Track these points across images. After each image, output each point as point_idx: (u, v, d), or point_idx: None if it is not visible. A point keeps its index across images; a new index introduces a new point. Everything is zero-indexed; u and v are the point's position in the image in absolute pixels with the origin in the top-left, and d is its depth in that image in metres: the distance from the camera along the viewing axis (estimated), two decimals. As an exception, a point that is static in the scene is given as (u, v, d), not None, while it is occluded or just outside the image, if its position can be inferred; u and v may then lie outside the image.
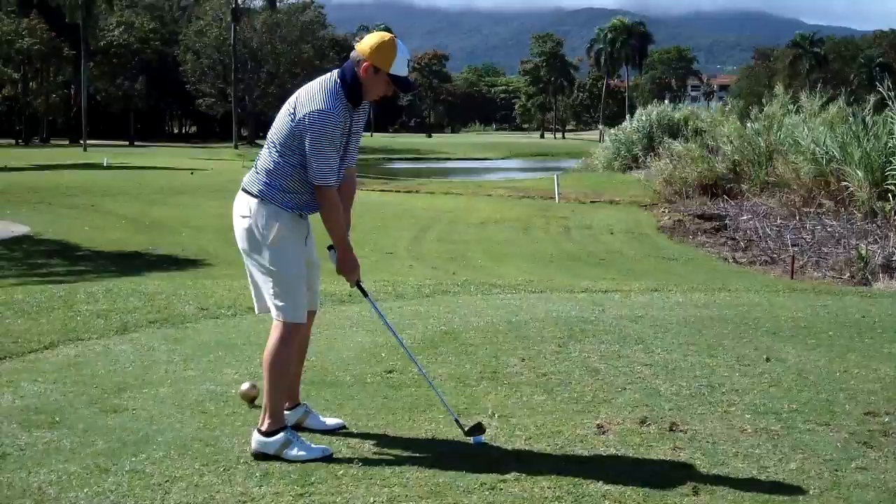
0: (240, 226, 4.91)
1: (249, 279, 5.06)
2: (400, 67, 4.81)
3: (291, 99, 4.86)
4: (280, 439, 4.72)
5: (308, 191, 4.84)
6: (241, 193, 4.94)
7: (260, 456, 4.70)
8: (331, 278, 6.19)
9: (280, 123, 4.83)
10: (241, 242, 4.93)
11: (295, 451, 4.71)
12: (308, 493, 4.28)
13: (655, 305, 9.68)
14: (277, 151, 4.82)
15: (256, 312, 5.18)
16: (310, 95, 4.77)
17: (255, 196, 4.85)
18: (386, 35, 4.88)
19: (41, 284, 13.10)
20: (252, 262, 4.94)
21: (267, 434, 4.74)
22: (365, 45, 4.81)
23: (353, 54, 4.84)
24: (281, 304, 4.87)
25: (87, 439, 4.95)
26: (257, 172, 4.89)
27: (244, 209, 4.89)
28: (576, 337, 7.58)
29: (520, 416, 5.35)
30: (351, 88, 4.80)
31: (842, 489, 4.37)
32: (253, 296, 5.10)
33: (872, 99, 28.92)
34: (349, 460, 4.65)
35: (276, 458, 4.70)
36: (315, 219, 5.00)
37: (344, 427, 5.20)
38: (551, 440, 4.96)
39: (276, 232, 4.81)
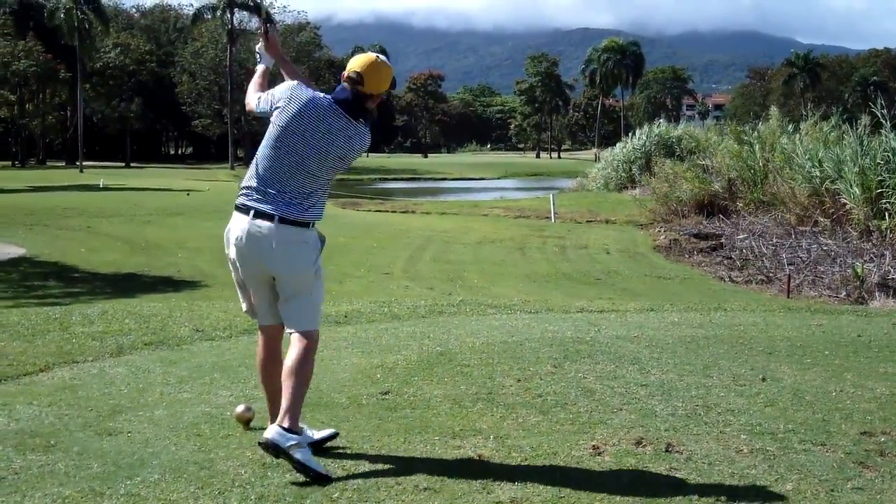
0: (293, 252, 4.97)
1: (264, 295, 5.13)
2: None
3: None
4: (296, 438, 4.74)
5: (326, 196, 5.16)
6: (281, 225, 4.94)
7: (270, 447, 4.69)
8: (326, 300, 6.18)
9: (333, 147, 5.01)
10: (286, 267, 4.99)
11: (301, 455, 4.70)
12: (303, 515, 4.26)
13: (651, 325, 9.69)
14: (324, 181, 5.08)
15: (266, 324, 5.22)
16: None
17: (304, 225, 4.97)
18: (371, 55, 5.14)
19: (37, 306, 13.09)
20: (301, 284, 5.04)
21: (288, 431, 4.76)
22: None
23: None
24: (317, 316, 5.12)
25: (82, 462, 4.93)
26: (299, 203, 4.98)
27: (301, 236, 4.98)
28: (571, 357, 7.57)
29: (515, 438, 5.33)
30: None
31: (838, 510, 4.36)
32: (265, 311, 5.19)
33: (867, 117, 28.99)
34: (344, 482, 4.63)
35: (284, 453, 4.70)
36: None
37: (336, 435, 5.24)
38: (547, 461, 4.94)
39: (320, 251, 5.10)
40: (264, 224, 4.93)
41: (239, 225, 5.01)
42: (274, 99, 5.08)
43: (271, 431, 4.76)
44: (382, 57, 5.13)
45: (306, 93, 5.03)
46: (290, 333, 5.09)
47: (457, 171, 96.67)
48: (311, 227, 5.01)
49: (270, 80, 5.44)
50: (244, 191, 5.07)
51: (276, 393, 5.17)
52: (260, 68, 5.51)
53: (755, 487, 4.58)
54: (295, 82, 5.13)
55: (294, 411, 4.85)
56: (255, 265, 5.03)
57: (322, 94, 5.07)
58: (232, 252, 5.09)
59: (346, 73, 5.07)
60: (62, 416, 5.88)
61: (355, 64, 5.06)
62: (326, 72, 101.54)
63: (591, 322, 9.85)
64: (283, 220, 4.93)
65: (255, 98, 5.25)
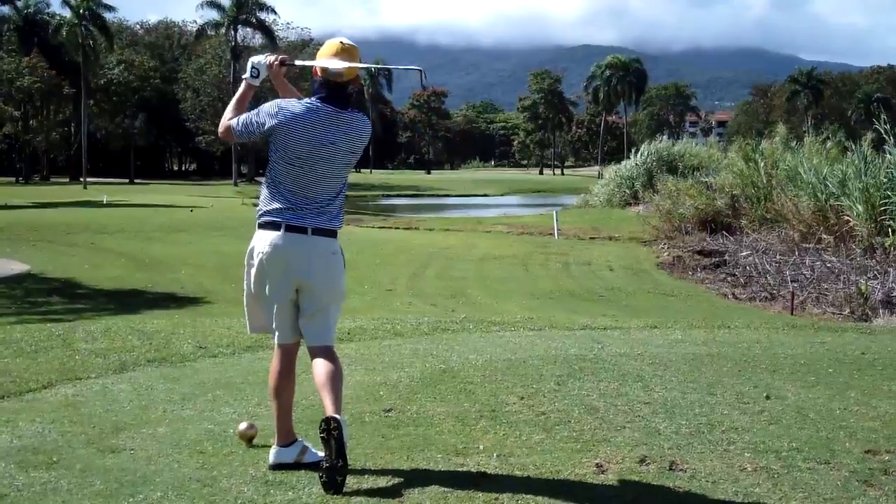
0: (329, 262, 5.06)
1: (289, 312, 5.12)
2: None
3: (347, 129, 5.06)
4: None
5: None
6: (315, 236, 5.00)
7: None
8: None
9: (345, 151, 5.06)
10: (323, 278, 5.05)
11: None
12: (306, 534, 4.25)
13: (655, 342, 9.67)
14: (344, 178, 5.15)
15: (288, 341, 5.19)
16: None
17: (334, 234, 5.08)
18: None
19: (40, 323, 13.08)
20: (333, 295, 5.12)
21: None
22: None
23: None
24: (335, 331, 5.26)
25: (85, 480, 4.92)
26: (328, 210, 5.05)
27: (333, 246, 5.07)
28: (575, 375, 7.56)
29: (518, 456, 5.32)
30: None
31: (842, 529, 4.34)
32: (287, 327, 5.15)
33: (871, 134, 28.99)
34: (347, 499, 4.61)
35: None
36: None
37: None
38: (550, 479, 4.92)
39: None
40: (298, 237, 4.97)
41: (267, 241, 5.01)
42: (261, 122, 5.03)
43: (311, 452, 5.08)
44: (346, 40, 5.19)
45: (299, 106, 5.02)
46: (314, 347, 5.11)
47: (460, 188, 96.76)
48: (337, 235, 5.11)
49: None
50: (271, 210, 5.03)
51: (285, 409, 5.18)
52: (245, 85, 5.29)
53: (759, 506, 4.57)
54: (282, 100, 5.11)
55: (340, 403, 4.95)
56: (286, 279, 5.03)
57: (311, 100, 5.06)
58: (256, 270, 5.08)
59: (319, 70, 5.08)
60: (65, 434, 5.87)
61: (327, 59, 5.10)
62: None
63: (595, 339, 9.84)
64: (315, 231, 4.99)
65: (234, 122, 5.15)
